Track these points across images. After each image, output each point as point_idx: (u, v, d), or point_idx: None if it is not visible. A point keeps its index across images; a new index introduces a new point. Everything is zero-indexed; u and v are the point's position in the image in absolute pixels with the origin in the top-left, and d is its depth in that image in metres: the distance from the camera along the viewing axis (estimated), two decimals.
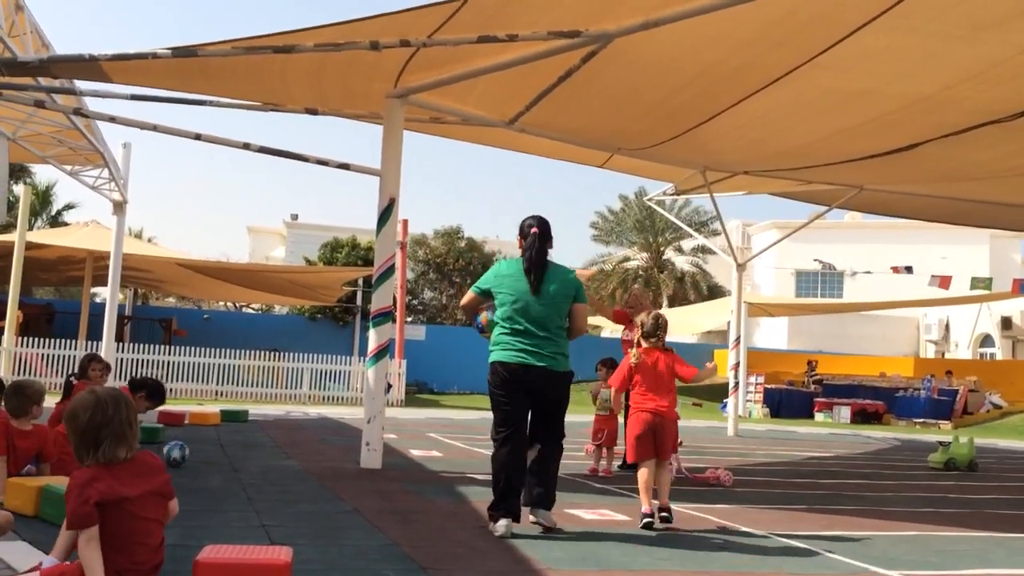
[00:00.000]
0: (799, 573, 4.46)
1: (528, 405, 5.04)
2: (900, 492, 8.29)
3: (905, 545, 5.37)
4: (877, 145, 9.71)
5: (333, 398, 19.91)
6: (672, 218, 23.33)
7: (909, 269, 18.24)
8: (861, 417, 22.85)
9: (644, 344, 5.61)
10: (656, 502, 5.35)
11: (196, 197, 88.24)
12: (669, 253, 39.57)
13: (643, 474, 5.34)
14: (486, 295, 5.22)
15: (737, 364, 15.76)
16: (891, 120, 8.61)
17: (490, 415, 5.17)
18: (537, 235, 5.13)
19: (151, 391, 6.39)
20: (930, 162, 10.08)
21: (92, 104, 10.10)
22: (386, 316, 8.06)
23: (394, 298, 8.62)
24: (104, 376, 7.67)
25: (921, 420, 22.41)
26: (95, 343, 17.03)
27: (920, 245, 35.48)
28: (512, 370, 4.97)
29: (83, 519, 2.67)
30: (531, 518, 5.04)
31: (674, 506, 5.63)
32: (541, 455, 5.06)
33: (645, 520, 5.22)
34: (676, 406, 5.60)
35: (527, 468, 4.98)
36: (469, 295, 5.33)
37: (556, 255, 5.31)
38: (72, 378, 6.66)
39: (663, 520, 5.36)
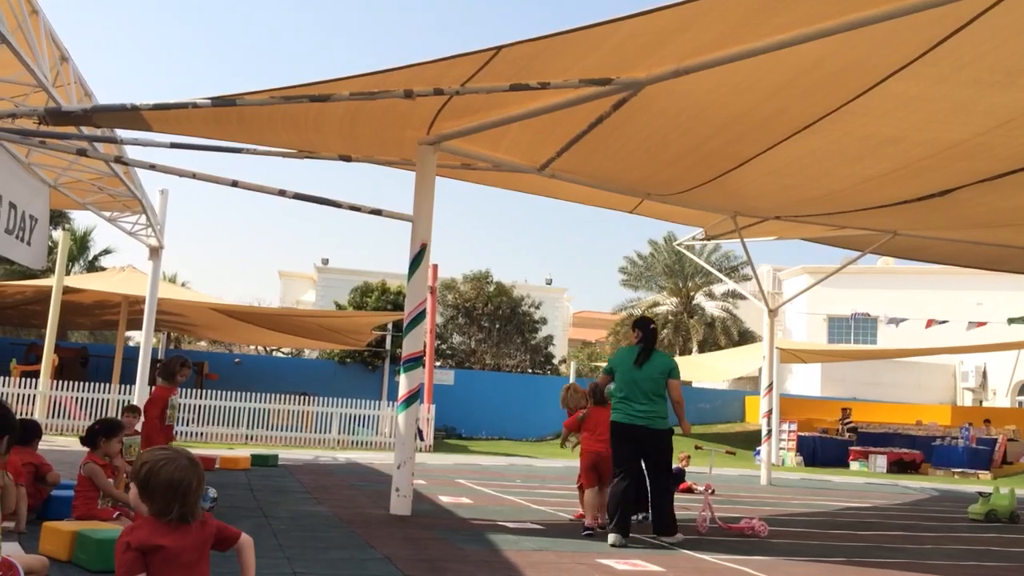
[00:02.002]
0: None
1: (636, 452, 6.91)
2: (940, 545, 8.09)
3: None
4: (910, 191, 9.65)
5: (362, 443, 19.87)
6: (702, 263, 23.28)
7: (944, 323, 18.03)
8: (898, 466, 22.39)
9: (592, 405, 7.46)
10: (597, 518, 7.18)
11: (229, 242, 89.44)
12: (699, 298, 39.39)
13: (589, 495, 7.24)
14: (610, 373, 7.17)
15: (770, 411, 15.55)
16: (923, 166, 8.57)
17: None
18: (653, 329, 7.26)
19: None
20: (964, 208, 9.99)
21: (132, 152, 10.32)
22: (417, 361, 8.08)
23: (424, 343, 8.65)
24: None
25: (960, 470, 21.89)
26: (128, 386, 17.18)
27: (955, 291, 35.00)
28: (621, 427, 6.87)
29: (127, 567, 2.62)
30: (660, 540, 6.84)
31: (707, 558, 5.65)
32: (653, 492, 7.00)
33: (585, 532, 7.04)
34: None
35: (649, 501, 7.11)
36: (602, 376, 7.40)
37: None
38: (97, 424, 6.58)
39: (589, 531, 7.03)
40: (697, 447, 11.55)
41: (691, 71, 6.37)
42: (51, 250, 18.27)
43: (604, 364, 8.18)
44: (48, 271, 20.53)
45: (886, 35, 5.88)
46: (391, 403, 19.92)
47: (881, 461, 22.38)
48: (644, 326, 7.21)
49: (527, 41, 6.00)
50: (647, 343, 7.06)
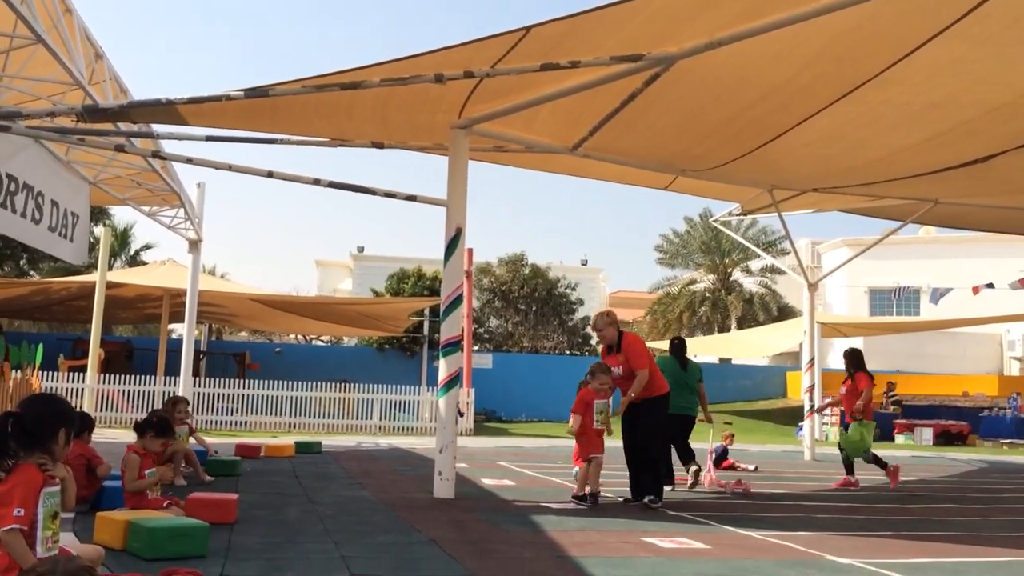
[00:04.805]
0: None
1: (674, 431, 9.04)
2: (991, 516, 7.96)
3: (1000, 572, 5.15)
4: (951, 157, 9.45)
5: (403, 428, 20.03)
6: (739, 238, 23.01)
7: (991, 286, 17.69)
8: (944, 439, 22.08)
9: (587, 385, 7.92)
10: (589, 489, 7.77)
11: (265, 232, 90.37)
12: (737, 274, 39.04)
13: (582, 470, 7.76)
14: None
15: (812, 386, 15.38)
16: (965, 131, 8.38)
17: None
18: (679, 346, 9.79)
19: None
20: (1007, 173, 9.77)
21: (168, 146, 10.44)
22: (455, 345, 8.10)
23: (461, 327, 8.66)
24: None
25: (1008, 441, 21.54)
26: (173, 378, 17.47)
27: (1000, 259, 34.23)
28: (674, 416, 8.60)
29: None
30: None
31: (752, 534, 5.80)
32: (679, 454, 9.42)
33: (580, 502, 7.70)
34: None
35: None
36: None
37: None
38: (155, 419, 6.68)
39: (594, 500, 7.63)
40: (727, 422, 11.59)
41: (724, 43, 6.28)
42: (93, 246, 18.59)
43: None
44: (91, 267, 20.91)
45: None
46: (431, 388, 20.04)
47: (927, 434, 22.09)
48: (671, 343, 9.95)
49: (556, 20, 5.95)
50: (680, 353, 9.69)
